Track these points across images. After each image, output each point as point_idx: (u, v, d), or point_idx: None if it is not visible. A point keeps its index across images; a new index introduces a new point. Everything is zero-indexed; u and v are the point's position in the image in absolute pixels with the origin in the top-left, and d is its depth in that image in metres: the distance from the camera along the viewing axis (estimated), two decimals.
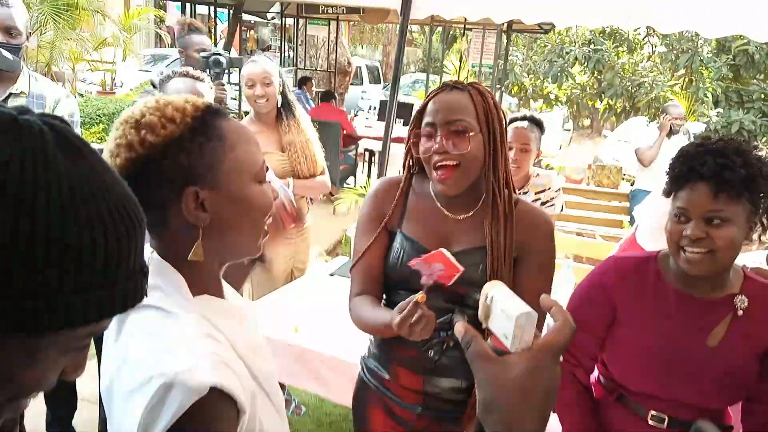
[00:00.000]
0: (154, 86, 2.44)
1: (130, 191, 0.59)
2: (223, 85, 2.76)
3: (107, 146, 0.87)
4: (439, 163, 1.33)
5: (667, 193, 1.36)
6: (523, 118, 2.59)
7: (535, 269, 1.40)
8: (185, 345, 0.81)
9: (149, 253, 0.91)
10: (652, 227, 2.39)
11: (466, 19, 3.57)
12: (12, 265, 0.47)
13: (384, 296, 1.52)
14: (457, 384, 1.44)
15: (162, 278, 0.87)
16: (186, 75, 2.12)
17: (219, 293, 0.96)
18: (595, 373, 1.53)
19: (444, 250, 1.19)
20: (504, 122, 1.39)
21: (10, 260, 0.47)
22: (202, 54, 2.79)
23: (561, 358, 1.44)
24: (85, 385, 2.75)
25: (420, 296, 1.14)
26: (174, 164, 0.84)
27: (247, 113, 2.96)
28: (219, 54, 2.77)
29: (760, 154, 1.27)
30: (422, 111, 1.40)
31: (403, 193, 1.48)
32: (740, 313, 1.32)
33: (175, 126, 0.84)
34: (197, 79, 2.11)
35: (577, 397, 1.45)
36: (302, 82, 8.31)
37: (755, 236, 1.34)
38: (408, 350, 1.44)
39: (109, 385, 0.85)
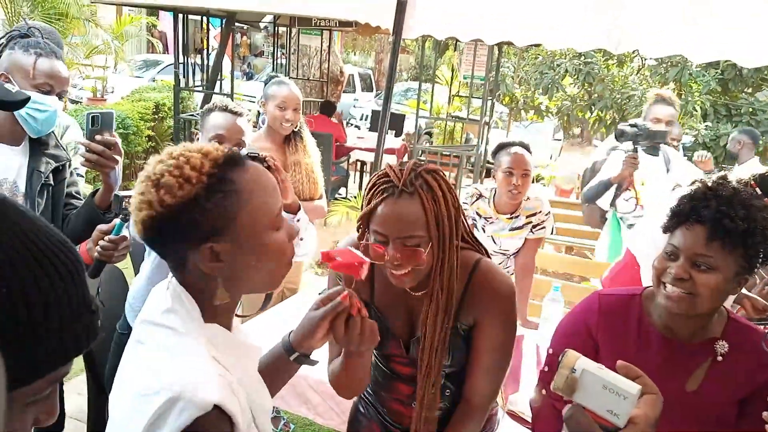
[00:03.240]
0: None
1: (63, 236, 0.58)
2: None
3: (133, 199, 0.92)
4: (393, 271, 1.31)
5: (665, 229, 1.35)
6: (513, 144, 2.62)
7: (495, 335, 1.41)
8: (194, 363, 0.87)
9: (169, 278, 0.98)
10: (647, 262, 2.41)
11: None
12: None
13: None
14: (448, 410, 1.50)
15: (178, 303, 0.94)
16: (226, 110, 2.11)
17: (228, 325, 1.00)
18: None
19: (350, 247, 1.18)
20: (457, 204, 1.34)
21: None
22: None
23: (543, 393, 1.46)
24: (72, 401, 2.74)
25: (344, 292, 1.09)
26: (190, 222, 0.88)
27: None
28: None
29: (759, 205, 1.25)
30: (368, 214, 1.30)
31: (372, 266, 1.41)
32: (719, 358, 1.33)
33: (191, 186, 0.87)
34: (237, 114, 2.10)
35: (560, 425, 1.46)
36: None
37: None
38: (397, 395, 1.54)
39: (120, 385, 0.94)
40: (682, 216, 1.29)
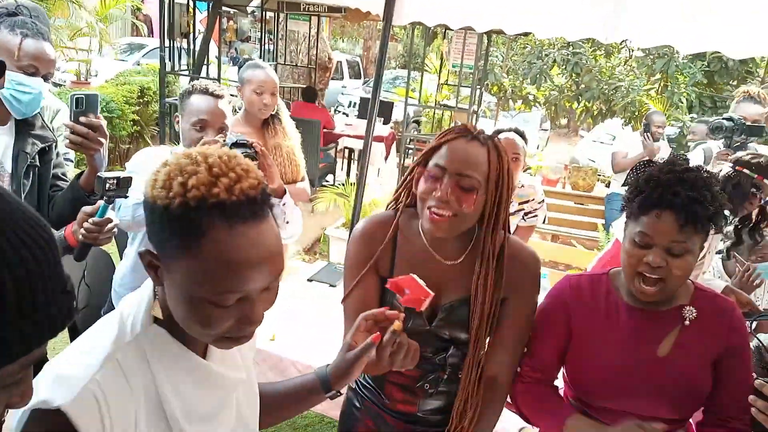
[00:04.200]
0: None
1: (35, 213, 0.55)
2: None
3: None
4: (435, 210, 1.29)
5: (629, 215, 1.36)
6: (509, 130, 2.63)
7: (523, 303, 1.44)
8: (77, 359, 0.81)
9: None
10: None
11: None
12: None
13: None
14: (450, 401, 1.47)
15: (137, 296, 0.88)
16: (206, 92, 2.05)
17: (190, 342, 0.87)
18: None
19: (414, 276, 1.16)
20: (512, 185, 1.36)
21: None
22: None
23: (518, 371, 1.48)
24: None
25: (397, 325, 1.06)
26: (152, 221, 0.78)
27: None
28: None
29: (715, 184, 1.30)
30: (433, 150, 1.33)
31: (392, 236, 1.43)
32: (687, 323, 1.37)
33: (168, 200, 0.75)
34: (218, 97, 2.05)
35: (544, 393, 1.48)
36: None
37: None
38: (402, 380, 1.49)
39: None
40: (649, 203, 1.29)
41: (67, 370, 0.79)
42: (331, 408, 2.09)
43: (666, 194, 1.27)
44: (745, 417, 1.32)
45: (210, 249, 0.74)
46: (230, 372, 0.94)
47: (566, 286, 1.50)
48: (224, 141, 1.95)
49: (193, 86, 2.09)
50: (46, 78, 1.86)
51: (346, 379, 1.10)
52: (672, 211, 1.26)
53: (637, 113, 8.67)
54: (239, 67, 2.88)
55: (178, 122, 2.10)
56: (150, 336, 0.84)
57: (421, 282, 1.14)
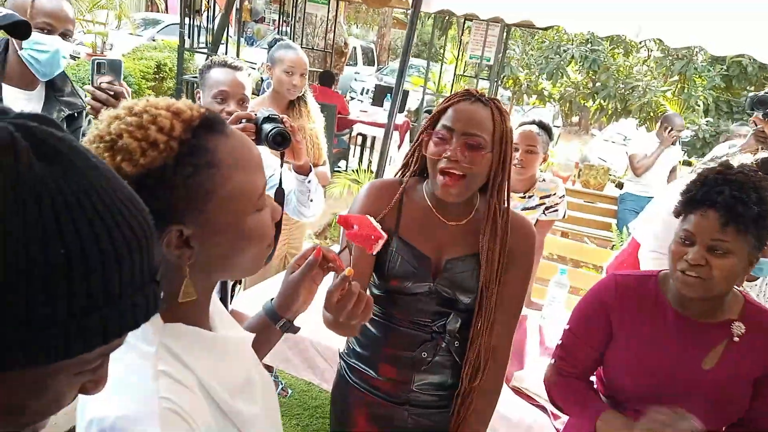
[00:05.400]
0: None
1: (133, 193, 0.51)
2: None
3: None
4: (447, 170, 1.33)
5: (677, 214, 1.38)
6: (532, 122, 2.60)
7: (521, 272, 1.46)
8: (133, 386, 0.72)
9: None
10: (656, 247, 2.40)
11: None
12: None
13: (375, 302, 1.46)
14: (444, 380, 1.48)
15: None
16: (225, 65, 2.06)
17: (201, 321, 0.85)
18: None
19: (369, 217, 1.13)
20: (512, 143, 1.41)
21: None
22: None
23: (556, 366, 1.49)
24: None
25: (349, 270, 0.99)
26: (154, 199, 0.64)
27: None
28: None
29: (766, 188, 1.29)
30: (440, 113, 1.39)
31: (399, 198, 1.47)
32: (736, 339, 1.36)
33: (157, 153, 0.70)
34: (237, 68, 2.06)
35: (579, 387, 1.49)
36: None
37: None
38: (398, 349, 1.47)
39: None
40: (695, 202, 1.31)
41: (124, 410, 0.70)
42: None
43: (711, 193, 1.28)
44: None
45: (228, 162, 0.75)
46: (235, 333, 0.94)
47: (611, 285, 1.49)
48: (255, 115, 1.95)
49: (212, 60, 2.09)
50: (65, 36, 1.81)
51: (292, 305, 1.06)
52: (715, 209, 1.27)
53: (652, 114, 8.62)
54: (269, 47, 2.87)
55: (199, 98, 2.11)
56: (170, 335, 0.79)
57: (376, 224, 1.10)
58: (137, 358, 0.74)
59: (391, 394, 1.51)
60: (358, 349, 1.56)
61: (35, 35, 1.69)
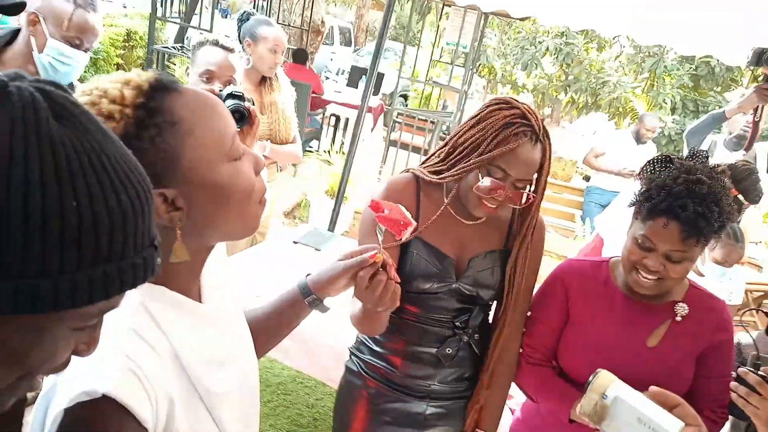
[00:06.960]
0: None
1: (135, 160, 0.55)
2: None
3: None
4: (487, 203, 1.37)
5: (636, 212, 1.40)
6: None
7: (534, 265, 1.52)
8: (102, 338, 0.73)
9: None
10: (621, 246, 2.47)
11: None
12: (6, 244, 0.43)
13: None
14: (462, 372, 1.53)
15: None
16: (217, 44, 2.05)
17: (187, 289, 0.85)
18: None
19: (401, 206, 1.13)
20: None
21: (4, 239, 0.43)
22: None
23: (524, 354, 1.54)
24: None
25: (379, 257, 1.02)
26: None
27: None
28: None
29: (726, 197, 1.32)
30: (507, 152, 1.32)
31: (417, 198, 1.47)
32: (679, 318, 1.44)
33: (115, 123, 0.71)
34: (228, 50, 2.05)
35: (547, 375, 1.54)
36: None
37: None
38: (420, 346, 1.50)
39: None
40: (657, 210, 1.32)
41: (94, 357, 0.72)
42: None
43: (674, 205, 1.29)
44: (718, 409, 1.40)
45: (186, 117, 0.75)
46: (226, 311, 0.94)
47: (569, 269, 1.55)
48: (220, 90, 1.93)
49: (205, 38, 2.09)
50: (87, 50, 1.86)
51: (329, 287, 1.06)
52: (678, 222, 1.29)
53: (621, 110, 8.79)
54: (241, 21, 2.79)
55: (188, 75, 2.12)
56: (151, 296, 0.80)
57: (407, 213, 1.11)
58: (115, 312, 0.75)
59: (411, 388, 1.52)
60: (374, 347, 1.55)
61: (63, 46, 1.76)
